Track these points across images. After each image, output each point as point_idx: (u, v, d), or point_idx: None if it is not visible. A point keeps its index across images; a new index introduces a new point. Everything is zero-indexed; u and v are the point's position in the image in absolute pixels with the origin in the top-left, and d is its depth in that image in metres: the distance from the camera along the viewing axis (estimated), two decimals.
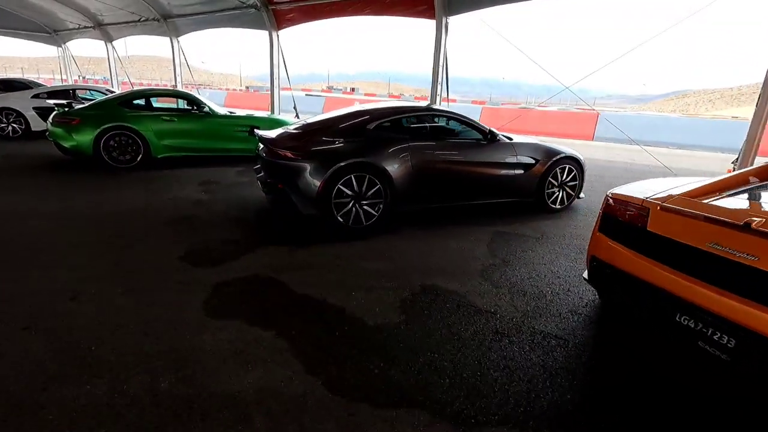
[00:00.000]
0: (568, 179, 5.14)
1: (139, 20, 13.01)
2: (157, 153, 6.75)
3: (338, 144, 4.04)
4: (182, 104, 7.96)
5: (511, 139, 4.86)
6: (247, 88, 65.82)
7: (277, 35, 10.09)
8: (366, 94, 61.36)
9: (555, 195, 5.10)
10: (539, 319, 2.71)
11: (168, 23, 12.37)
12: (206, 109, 7.09)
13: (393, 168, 4.13)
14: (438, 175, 4.43)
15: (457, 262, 3.54)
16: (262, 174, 4.42)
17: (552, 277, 3.34)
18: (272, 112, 10.65)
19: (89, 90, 9.98)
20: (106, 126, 6.30)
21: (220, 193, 5.45)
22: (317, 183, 3.88)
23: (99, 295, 2.76)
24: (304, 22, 9.69)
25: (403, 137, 4.32)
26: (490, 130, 4.71)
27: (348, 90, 77.04)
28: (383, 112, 4.41)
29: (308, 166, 3.89)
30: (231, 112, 7.47)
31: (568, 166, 5.07)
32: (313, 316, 2.63)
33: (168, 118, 6.75)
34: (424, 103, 4.74)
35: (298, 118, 10.62)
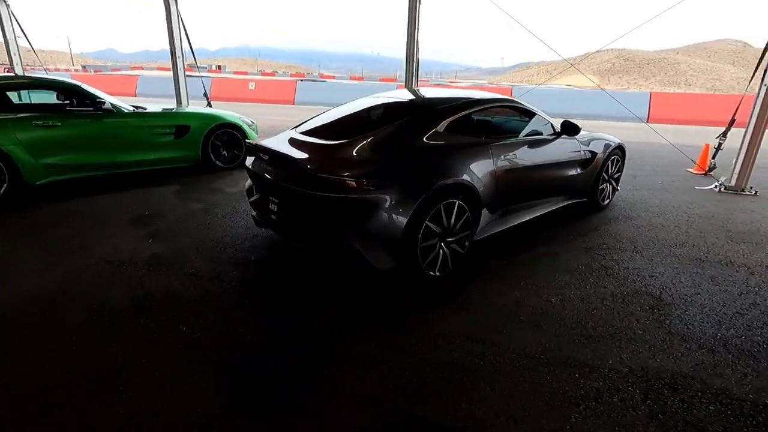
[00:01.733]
0: (615, 171, 4.57)
1: None
2: (34, 179, 4.37)
3: (411, 158, 2.72)
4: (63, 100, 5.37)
5: None
6: (84, 67, 54.09)
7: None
8: (236, 72, 55.64)
9: (605, 190, 4.48)
10: None
11: None
12: (107, 105, 4.81)
13: (480, 184, 2.98)
14: (519, 186, 3.40)
15: (616, 312, 2.60)
16: (277, 212, 2.86)
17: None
18: (179, 100, 8.20)
19: None
20: None
21: (180, 236, 3.60)
22: (401, 221, 2.54)
23: None
24: None
25: (478, 140, 3.16)
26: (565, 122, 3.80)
27: (214, 68, 68.90)
28: (450, 105, 3.15)
29: (386, 199, 2.51)
30: (137, 107, 5.25)
31: (616, 156, 4.48)
32: None
33: (44, 122, 4.37)
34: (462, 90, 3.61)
35: (210, 107, 8.44)
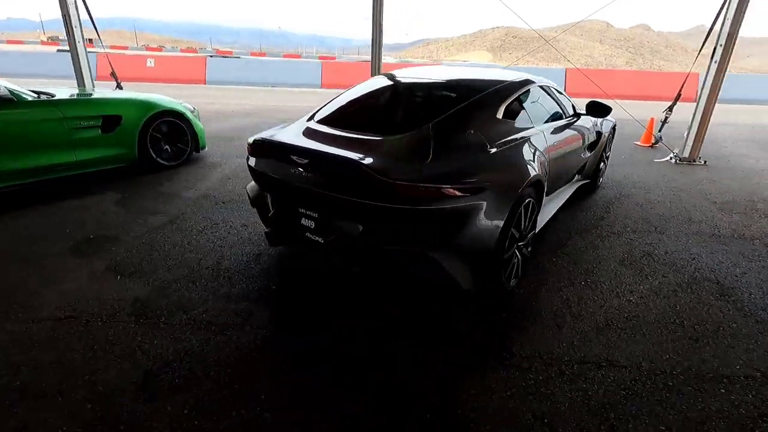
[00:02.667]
0: (609, 150, 4.58)
1: None
2: None
3: (493, 152, 2.28)
4: None
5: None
6: None
7: None
8: (113, 47, 48.33)
9: (602, 170, 4.47)
10: None
11: None
12: (1, 90, 3.50)
13: (544, 176, 2.65)
14: (558, 172, 3.14)
15: (696, 305, 2.49)
16: (317, 229, 2.23)
17: None
18: (81, 82, 6.52)
19: None
20: None
21: (156, 265, 2.73)
22: (496, 229, 2.12)
23: None
24: None
25: (532, 125, 2.80)
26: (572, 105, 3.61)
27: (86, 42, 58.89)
28: (501, 86, 2.71)
29: (482, 205, 2.05)
30: (41, 94, 3.95)
31: (611, 135, 4.47)
32: None
33: None
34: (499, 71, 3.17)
35: (120, 89, 7.00)
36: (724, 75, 5.23)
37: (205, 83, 14.39)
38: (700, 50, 5.68)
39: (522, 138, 2.51)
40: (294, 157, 2.17)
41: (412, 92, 2.90)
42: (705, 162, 5.73)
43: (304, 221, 2.29)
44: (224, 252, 2.93)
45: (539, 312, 2.37)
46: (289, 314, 2.30)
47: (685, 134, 5.77)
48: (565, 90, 14.17)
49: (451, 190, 1.93)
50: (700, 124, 5.53)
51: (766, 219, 3.86)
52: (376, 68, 5.80)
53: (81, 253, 2.85)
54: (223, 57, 16.62)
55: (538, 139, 2.68)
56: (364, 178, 1.96)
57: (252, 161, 2.50)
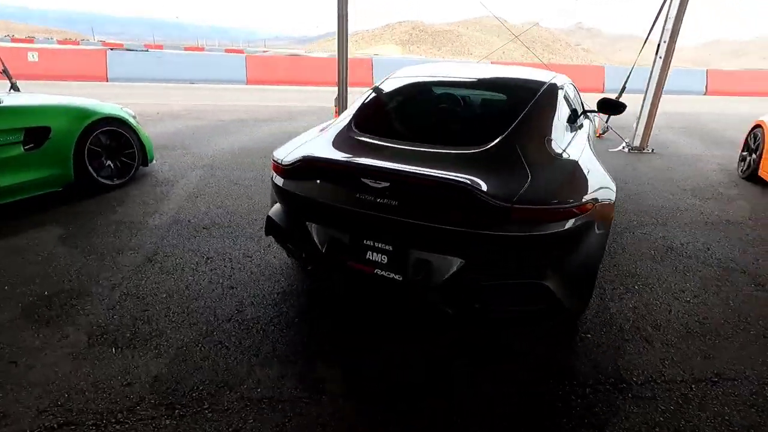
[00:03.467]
0: None
1: None
2: None
3: (577, 158, 2.06)
4: None
5: None
6: None
7: None
8: None
9: None
10: None
11: None
12: None
13: None
14: None
15: (751, 302, 2.53)
16: (390, 265, 1.84)
17: None
18: None
19: None
20: None
21: (162, 324, 2.10)
22: (602, 245, 1.94)
23: None
24: None
25: (578, 127, 2.65)
26: None
27: None
28: (542, 83, 2.48)
29: (594, 222, 1.83)
30: None
31: None
32: None
33: None
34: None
35: (17, 91, 5.69)
36: (669, 69, 5.65)
37: (107, 80, 12.49)
38: (644, 44, 6.08)
39: (584, 142, 2.34)
40: (367, 180, 1.74)
41: (455, 95, 2.58)
42: (653, 150, 6.19)
43: (372, 255, 1.88)
44: (239, 295, 2.37)
45: (619, 326, 2.23)
46: (365, 378, 1.88)
47: (635, 125, 6.18)
48: None
49: (575, 210, 1.68)
50: (649, 114, 5.94)
51: (736, 202, 4.20)
52: (344, 64, 5.33)
53: (42, 320, 2.10)
54: (128, 50, 14.54)
55: (589, 138, 2.54)
56: (474, 202, 1.62)
57: (287, 183, 2.01)
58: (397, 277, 1.85)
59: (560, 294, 1.78)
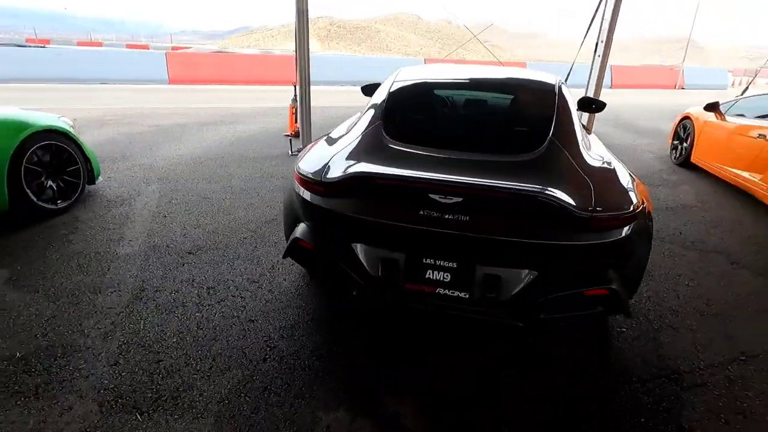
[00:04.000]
0: None
1: None
2: None
3: (614, 159, 2.12)
4: None
5: None
6: None
7: None
8: None
9: None
10: None
11: None
12: None
13: None
14: None
15: None
16: (454, 283, 1.74)
17: None
18: None
19: None
20: None
21: (189, 376, 1.79)
22: (650, 241, 1.98)
23: None
24: None
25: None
26: None
27: None
28: (557, 87, 2.51)
29: (647, 223, 1.88)
30: None
31: None
32: None
33: None
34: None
35: None
36: (606, 66, 6.13)
37: None
38: (582, 42, 6.53)
39: (597, 140, 2.41)
40: (436, 196, 1.61)
41: (478, 99, 2.52)
42: None
43: (433, 274, 1.75)
44: (263, 328, 2.11)
45: (645, 316, 2.35)
46: (438, 412, 1.75)
47: None
48: None
49: (638, 213, 1.71)
50: None
51: (681, 187, 4.67)
52: (305, 60, 5.01)
53: (27, 392, 1.68)
54: (19, 46, 12.53)
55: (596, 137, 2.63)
56: (554, 213, 1.57)
57: (329, 202, 1.80)
58: (462, 294, 1.75)
59: (624, 294, 1.80)
